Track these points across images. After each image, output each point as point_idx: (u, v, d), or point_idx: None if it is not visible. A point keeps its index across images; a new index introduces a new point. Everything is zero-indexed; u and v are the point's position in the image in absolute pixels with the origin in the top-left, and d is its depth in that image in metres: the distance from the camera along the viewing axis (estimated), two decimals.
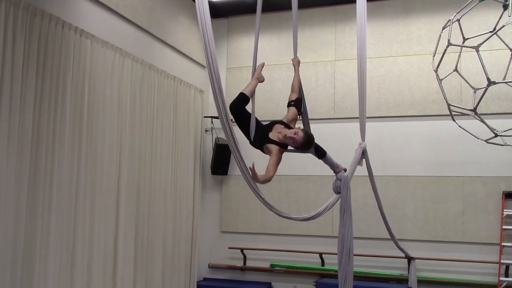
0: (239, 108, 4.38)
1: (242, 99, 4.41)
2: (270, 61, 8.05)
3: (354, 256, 6.97)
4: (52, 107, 5.05)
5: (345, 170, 4.49)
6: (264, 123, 4.52)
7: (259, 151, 4.43)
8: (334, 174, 4.50)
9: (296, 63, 4.73)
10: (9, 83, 4.53)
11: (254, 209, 8.10)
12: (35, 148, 4.83)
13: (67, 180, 5.22)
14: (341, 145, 7.39)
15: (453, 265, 7.31)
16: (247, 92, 4.41)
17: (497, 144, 6.11)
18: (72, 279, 5.29)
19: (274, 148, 4.16)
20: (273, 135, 4.23)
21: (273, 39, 8.42)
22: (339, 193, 4.34)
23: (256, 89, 4.58)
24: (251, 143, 4.41)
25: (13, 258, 4.54)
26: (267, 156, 4.35)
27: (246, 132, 4.37)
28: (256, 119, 4.42)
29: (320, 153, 4.41)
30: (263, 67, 4.60)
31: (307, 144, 4.18)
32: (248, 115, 4.38)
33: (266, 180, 4.13)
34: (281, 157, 4.21)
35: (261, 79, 4.57)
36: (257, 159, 4.37)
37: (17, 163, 4.61)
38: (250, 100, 4.44)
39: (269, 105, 8.28)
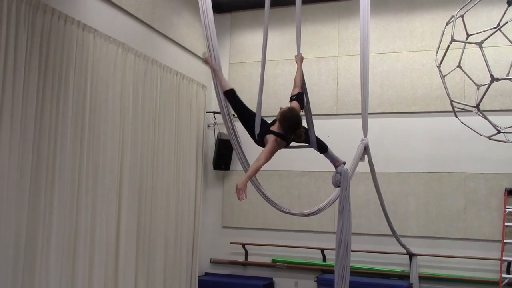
0: (235, 101, 4.49)
1: (230, 95, 4.52)
2: (272, 56, 8.04)
3: (356, 252, 6.99)
4: (54, 102, 5.05)
5: (344, 163, 4.51)
6: (266, 118, 4.52)
7: (260, 147, 4.43)
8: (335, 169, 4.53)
9: (299, 60, 4.73)
10: (11, 78, 4.53)
11: (256, 204, 8.10)
12: (37, 142, 4.84)
13: (69, 175, 5.23)
14: (344, 141, 7.40)
15: (455, 262, 7.31)
16: (225, 87, 4.51)
17: (500, 141, 6.10)
18: (74, 273, 5.31)
19: (271, 137, 4.15)
20: (273, 127, 4.23)
21: (276, 34, 8.39)
22: (339, 186, 4.39)
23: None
24: (256, 141, 4.37)
25: (15, 255, 4.56)
26: None
27: (252, 131, 4.34)
28: (262, 118, 4.41)
29: (322, 148, 4.43)
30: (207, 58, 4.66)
31: (287, 121, 4.07)
32: (251, 113, 4.39)
33: (253, 172, 4.09)
34: (275, 148, 4.13)
35: (213, 67, 4.61)
36: (255, 154, 4.35)
37: (19, 159, 4.62)
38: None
39: (272, 101, 8.26)
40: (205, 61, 4.61)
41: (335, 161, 4.49)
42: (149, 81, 6.79)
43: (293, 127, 4.09)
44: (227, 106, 4.61)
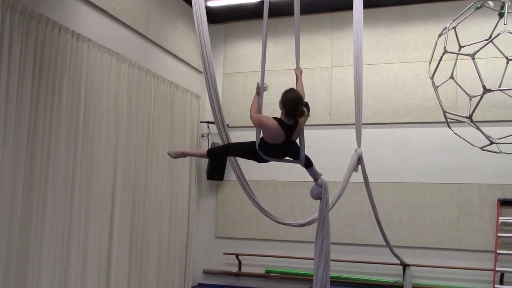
0: (223, 151, 4.75)
1: (215, 153, 4.89)
2: (266, 67, 8.02)
3: (349, 263, 6.97)
4: (48, 110, 5.04)
5: (321, 174, 4.57)
6: None
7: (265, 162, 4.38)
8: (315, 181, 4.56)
9: (299, 73, 4.77)
10: (5, 86, 4.52)
11: (249, 214, 8.09)
12: (30, 151, 4.82)
13: (62, 184, 5.20)
14: (337, 151, 7.42)
15: (448, 272, 7.31)
16: (203, 154, 4.72)
17: (492, 152, 6.12)
18: (66, 282, 5.26)
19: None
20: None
21: (269, 45, 8.28)
22: (320, 198, 4.45)
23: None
24: (262, 158, 4.28)
25: (7, 258, 4.52)
26: (262, 164, 4.39)
27: (258, 157, 4.28)
28: None
29: (308, 164, 4.46)
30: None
31: (288, 96, 4.22)
32: (244, 143, 4.42)
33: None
34: (265, 123, 4.33)
35: (183, 153, 4.82)
36: (249, 163, 4.34)
37: (13, 167, 4.59)
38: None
39: (266, 111, 8.19)
40: (181, 154, 4.79)
41: (315, 175, 4.52)
42: (143, 91, 6.79)
43: (296, 102, 4.17)
44: (221, 116, 4.61)
